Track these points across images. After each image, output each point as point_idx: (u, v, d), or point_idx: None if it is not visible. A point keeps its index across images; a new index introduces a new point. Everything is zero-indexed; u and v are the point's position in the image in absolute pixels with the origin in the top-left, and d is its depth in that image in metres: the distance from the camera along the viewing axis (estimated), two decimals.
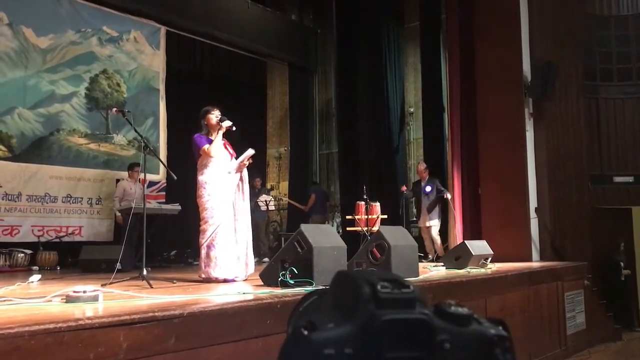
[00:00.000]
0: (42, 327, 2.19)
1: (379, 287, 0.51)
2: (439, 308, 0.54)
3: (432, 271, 6.03)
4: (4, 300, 3.17)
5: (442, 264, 6.76)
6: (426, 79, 9.88)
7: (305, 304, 0.61)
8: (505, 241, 7.69)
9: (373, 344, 0.48)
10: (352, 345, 0.48)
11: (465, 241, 6.77)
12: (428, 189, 8.42)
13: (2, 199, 7.65)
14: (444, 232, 8.69)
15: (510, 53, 8.27)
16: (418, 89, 10.40)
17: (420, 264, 6.50)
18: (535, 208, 8.22)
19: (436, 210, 8.43)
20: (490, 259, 6.70)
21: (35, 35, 8.19)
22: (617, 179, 9.05)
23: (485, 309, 4.98)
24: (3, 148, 7.79)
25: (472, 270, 5.97)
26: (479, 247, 6.67)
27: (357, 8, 10.56)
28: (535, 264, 7.50)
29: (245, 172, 5.17)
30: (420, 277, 5.12)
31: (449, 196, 8.34)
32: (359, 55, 10.62)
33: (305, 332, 0.49)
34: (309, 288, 3.79)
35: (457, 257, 6.45)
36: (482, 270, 6.16)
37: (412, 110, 10.63)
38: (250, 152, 5.09)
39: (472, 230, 8.26)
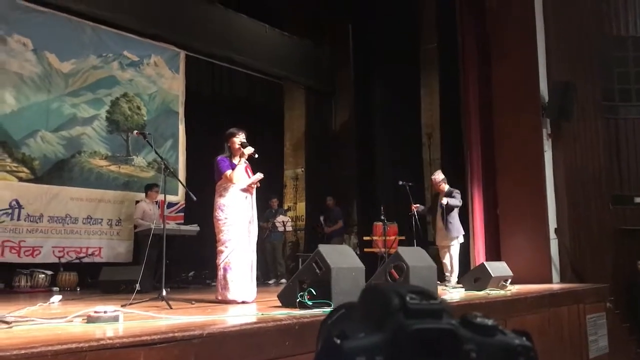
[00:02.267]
0: (64, 346, 2.22)
1: (407, 298, 0.53)
2: (465, 319, 0.55)
3: (451, 293, 5.98)
4: (27, 321, 3.21)
5: (460, 285, 6.71)
6: (443, 100, 9.91)
7: (334, 317, 0.63)
8: (525, 262, 7.62)
9: (402, 352, 0.50)
10: (382, 353, 0.50)
11: (485, 262, 6.73)
12: (445, 201, 7.53)
13: (25, 220, 7.76)
14: (464, 253, 8.58)
15: (527, 73, 8.28)
16: (435, 109, 10.42)
17: (439, 286, 6.47)
18: (555, 229, 8.14)
19: (457, 226, 7.56)
20: (510, 280, 6.63)
21: (58, 60, 8.38)
22: (638, 200, 8.95)
23: None
24: (26, 170, 7.93)
25: (491, 292, 5.92)
26: (499, 268, 6.61)
27: (374, 31, 10.68)
28: (556, 285, 7.41)
29: (253, 196, 5.18)
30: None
31: (444, 202, 7.50)
32: (376, 76, 10.70)
33: (338, 341, 0.51)
34: (327, 309, 3.79)
35: (477, 278, 6.40)
36: (502, 292, 6.10)
37: (429, 131, 10.63)
38: (259, 176, 5.11)
39: (491, 251, 8.19)
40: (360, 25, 11.25)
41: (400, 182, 7.97)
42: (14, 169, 7.82)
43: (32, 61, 8.11)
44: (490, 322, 0.55)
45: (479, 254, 8.30)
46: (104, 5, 8.40)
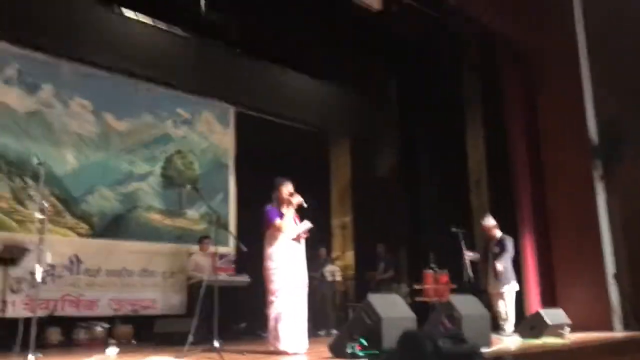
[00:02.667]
0: None
1: (440, 343, 0.58)
2: None
3: (507, 341, 5.82)
4: None
5: (516, 334, 6.52)
6: (490, 145, 9.84)
7: None
8: (583, 309, 7.35)
9: None
10: None
11: (540, 310, 6.54)
12: (497, 249, 7.46)
13: (83, 275, 8.04)
14: (517, 300, 8.34)
15: (574, 114, 8.17)
16: (482, 154, 10.34)
17: (494, 335, 6.31)
18: (614, 274, 7.85)
19: (510, 273, 7.40)
20: (568, 328, 6.41)
21: (115, 120, 8.82)
22: None
23: None
24: (85, 226, 8.26)
25: (548, 340, 5.73)
26: (555, 315, 6.42)
27: (416, 78, 10.80)
28: (618, 333, 7.10)
29: (302, 246, 5.24)
30: (494, 347, 4.96)
31: (469, 256, 7.50)
32: (420, 122, 10.76)
33: None
34: None
35: (532, 326, 6.23)
36: (560, 340, 5.90)
37: (477, 176, 10.52)
38: (307, 225, 5.18)
39: (547, 299, 7.94)
40: (403, 72, 11.41)
41: (453, 229, 7.88)
42: (74, 225, 8.17)
43: (91, 122, 8.56)
44: None
45: (533, 302, 8.06)
46: (158, 66, 8.84)
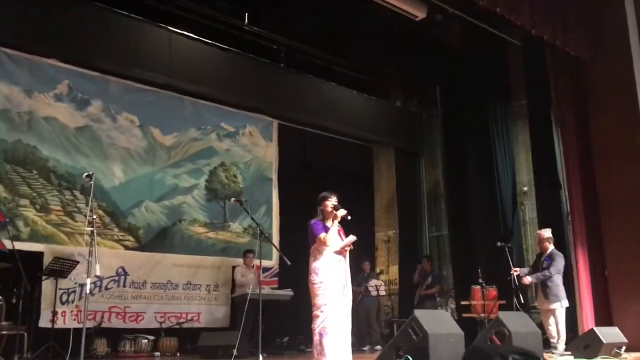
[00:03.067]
0: None
1: (510, 358, 0.51)
2: None
3: None
4: None
5: (569, 352, 6.26)
6: (538, 156, 9.57)
7: None
8: None
9: None
10: None
11: (595, 328, 6.27)
12: (545, 264, 7.14)
13: (129, 287, 8.16)
14: (570, 318, 8.03)
15: (628, 121, 7.88)
16: (530, 166, 10.08)
17: (546, 354, 6.07)
18: None
19: (559, 289, 7.08)
20: (624, 347, 6.12)
21: (161, 134, 8.98)
22: None
23: None
24: (132, 239, 8.40)
25: None
26: (611, 334, 6.15)
27: (462, 89, 10.63)
28: None
29: (347, 260, 5.17)
30: None
31: (516, 271, 7.26)
32: (466, 136, 10.56)
33: None
34: None
35: (586, 345, 5.97)
36: None
37: (525, 189, 10.26)
38: (352, 238, 5.11)
39: (601, 316, 7.62)
40: (448, 83, 11.25)
41: (499, 244, 7.69)
42: (121, 237, 8.32)
43: (138, 136, 8.73)
44: None
45: (587, 319, 7.74)
46: (203, 81, 8.97)
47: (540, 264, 7.32)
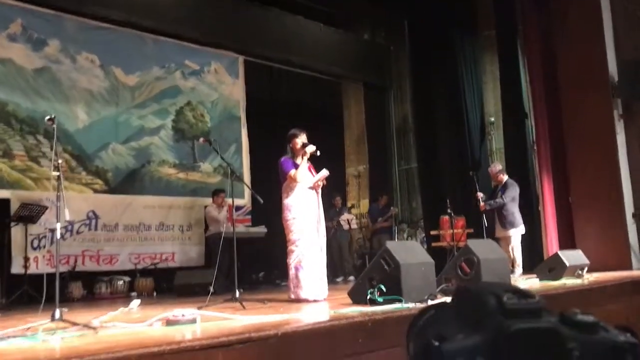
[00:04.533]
0: (147, 350, 2.31)
1: (504, 298, 0.52)
2: (566, 316, 0.54)
3: (524, 284, 5.82)
4: (110, 326, 3.36)
5: (534, 275, 6.52)
6: (505, 87, 9.63)
7: (424, 318, 0.62)
8: (602, 249, 7.32)
9: (503, 353, 0.50)
10: (482, 354, 0.50)
11: (559, 251, 6.51)
12: (500, 193, 7.57)
13: (102, 230, 8.12)
14: (536, 243, 8.34)
15: (594, 53, 7.92)
16: (498, 97, 10.16)
17: (511, 277, 6.31)
18: (633, 214, 7.77)
19: (515, 216, 7.48)
20: (586, 268, 6.39)
21: (124, 74, 8.72)
22: None
23: None
24: (100, 182, 8.29)
25: (568, 282, 5.72)
26: (574, 257, 6.39)
27: (430, 21, 10.49)
28: (637, 272, 7.07)
29: (319, 195, 5.23)
30: None
31: (481, 196, 7.58)
32: (434, 68, 10.52)
33: (436, 343, 0.51)
34: (398, 305, 3.77)
35: (551, 268, 6.21)
36: (579, 281, 5.88)
37: (492, 119, 10.38)
38: (325, 173, 5.15)
39: (565, 240, 7.92)
40: (415, 16, 11.08)
41: (471, 173, 7.93)
42: (89, 181, 8.20)
43: (100, 77, 8.47)
44: (591, 318, 0.54)
45: (552, 243, 8.05)
46: (164, 18, 8.66)
47: (496, 194, 7.68)
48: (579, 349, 0.51)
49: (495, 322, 0.51)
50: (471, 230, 8.43)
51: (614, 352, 0.52)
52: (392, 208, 10.24)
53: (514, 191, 7.56)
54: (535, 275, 6.50)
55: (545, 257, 7.51)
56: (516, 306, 0.52)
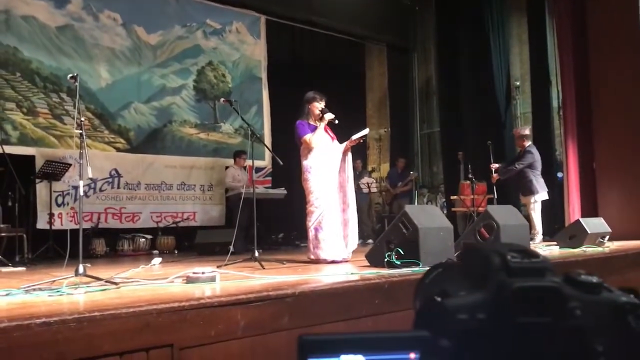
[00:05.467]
0: (167, 305, 2.36)
1: (508, 257, 0.52)
2: (569, 277, 0.53)
3: (545, 251, 5.79)
4: (132, 282, 3.44)
5: (554, 242, 6.48)
6: (533, 50, 9.39)
7: (431, 276, 0.63)
8: (625, 217, 7.22)
9: (504, 310, 0.50)
10: (484, 311, 0.50)
11: (580, 219, 6.44)
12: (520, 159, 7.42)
13: (124, 188, 8.24)
14: (558, 210, 8.25)
15: (626, 15, 7.67)
16: (524, 61, 9.93)
17: (531, 244, 6.28)
18: None
19: (532, 183, 7.28)
20: (607, 237, 6.33)
21: (146, 33, 8.70)
22: None
23: None
24: (122, 141, 8.38)
25: (588, 249, 5.67)
26: (595, 224, 6.32)
27: None
28: None
29: (349, 155, 5.21)
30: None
31: (494, 167, 7.47)
32: (460, 30, 10.28)
33: (439, 299, 0.52)
34: (416, 269, 3.79)
35: (572, 235, 6.15)
36: (599, 248, 5.83)
37: (518, 83, 10.16)
38: (366, 131, 5.14)
39: (588, 208, 7.82)
40: None
41: (488, 142, 7.77)
42: (112, 140, 8.29)
43: (122, 35, 8.46)
44: (594, 279, 0.53)
45: (574, 211, 7.95)
46: None
47: (514, 161, 7.55)
48: (581, 308, 0.51)
49: (497, 279, 0.51)
50: (492, 196, 8.37)
51: (616, 312, 0.52)
52: (411, 172, 10.21)
53: (529, 158, 7.36)
54: (555, 242, 6.46)
55: (567, 224, 7.45)
56: (520, 265, 0.52)
